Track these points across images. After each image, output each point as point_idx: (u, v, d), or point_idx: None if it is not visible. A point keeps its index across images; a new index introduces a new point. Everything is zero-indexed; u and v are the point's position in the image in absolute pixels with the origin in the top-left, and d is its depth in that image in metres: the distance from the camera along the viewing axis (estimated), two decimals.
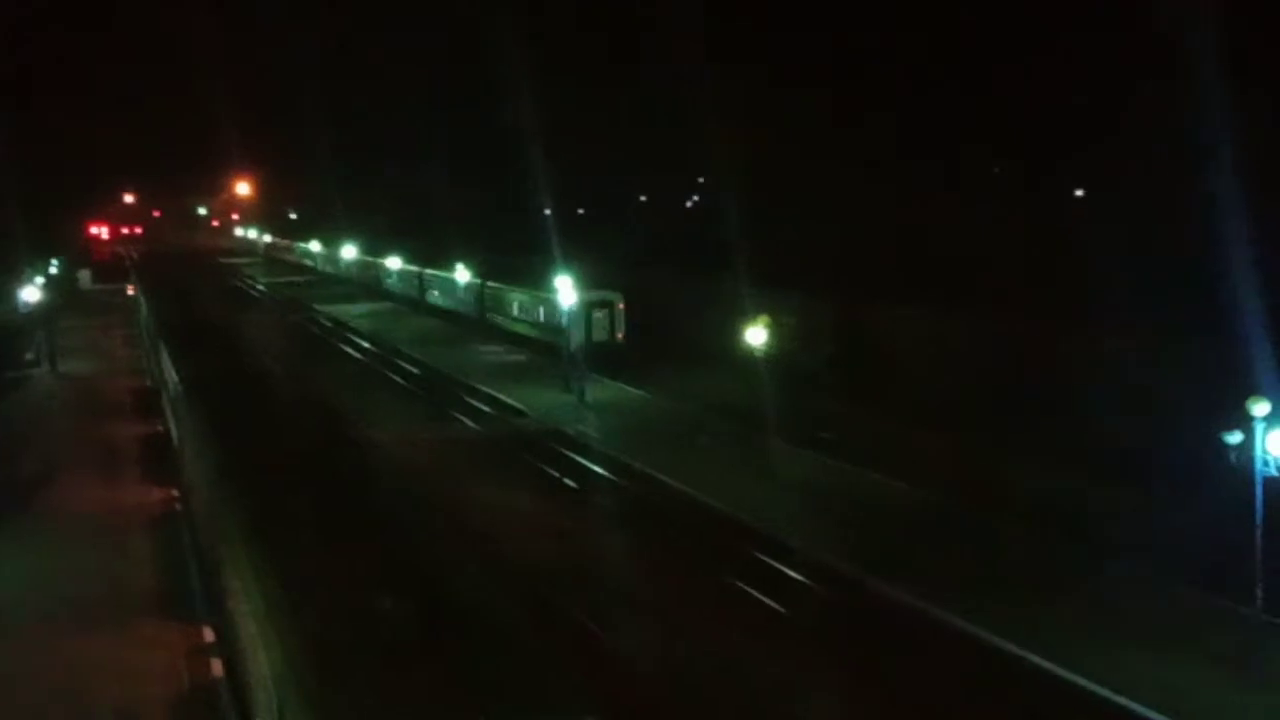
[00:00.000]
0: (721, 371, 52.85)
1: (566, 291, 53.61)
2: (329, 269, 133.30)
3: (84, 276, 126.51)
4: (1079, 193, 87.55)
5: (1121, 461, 35.31)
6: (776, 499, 35.19)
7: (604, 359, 56.85)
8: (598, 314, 59.60)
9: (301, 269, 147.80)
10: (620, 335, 60.89)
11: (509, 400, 52.52)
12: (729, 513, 34.29)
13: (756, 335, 39.46)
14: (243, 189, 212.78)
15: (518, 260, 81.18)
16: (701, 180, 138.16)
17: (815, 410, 47.22)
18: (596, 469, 40.63)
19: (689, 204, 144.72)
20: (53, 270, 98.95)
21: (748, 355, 40.37)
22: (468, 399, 54.42)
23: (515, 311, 71.84)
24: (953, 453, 40.32)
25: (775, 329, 40.82)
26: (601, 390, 52.98)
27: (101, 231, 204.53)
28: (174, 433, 42.08)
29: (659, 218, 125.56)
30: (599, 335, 59.54)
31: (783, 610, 27.74)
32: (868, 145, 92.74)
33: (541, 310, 65.93)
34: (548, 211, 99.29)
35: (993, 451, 39.54)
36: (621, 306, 61.66)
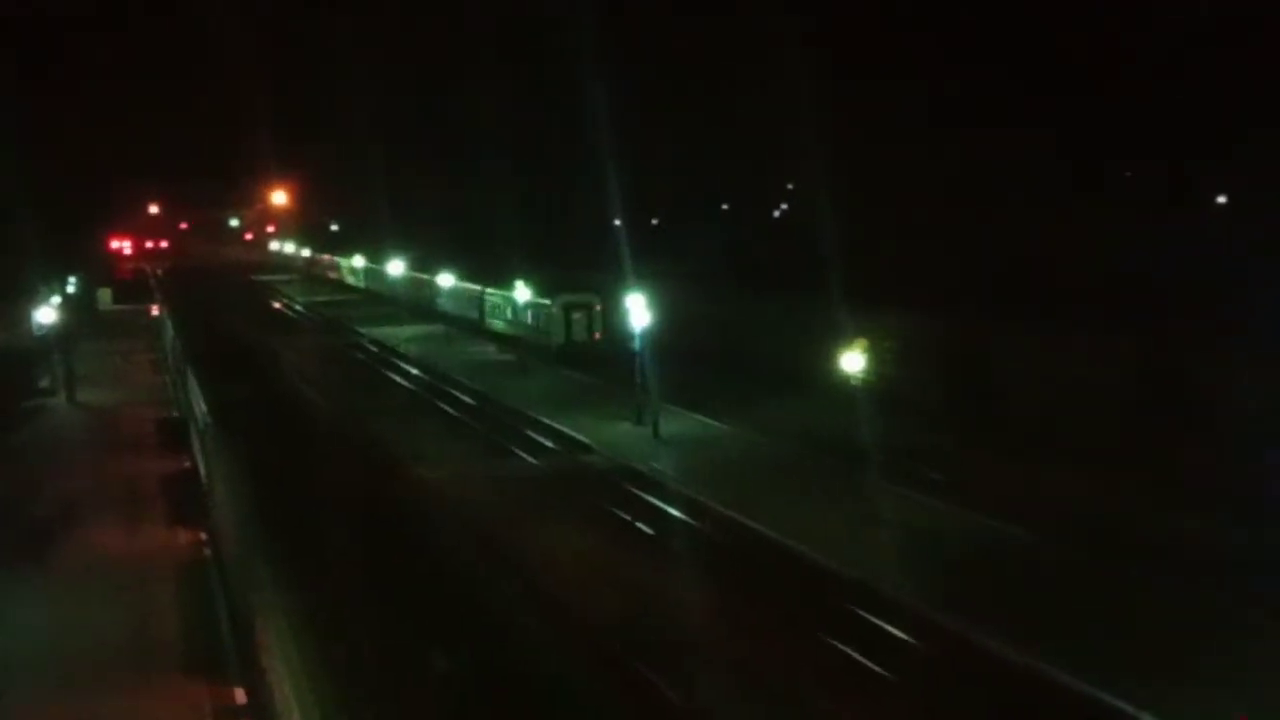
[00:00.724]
0: (812, 401, 52.65)
1: (638, 312, 53.75)
2: (374, 287, 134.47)
3: (104, 296, 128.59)
4: (1221, 199, 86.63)
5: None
6: (875, 545, 35.01)
7: (584, 359, 62.47)
8: (576, 315, 70.16)
9: (343, 287, 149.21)
10: (598, 335, 68.29)
11: (574, 433, 52.69)
12: (822, 561, 34.16)
13: (853, 360, 39.35)
14: (279, 199, 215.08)
15: (584, 277, 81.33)
16: (791, 187, 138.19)
17: (919, 444, 46.97)
18: (672, 511, 40.65)
19: (777, 213, 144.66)
20: (70, 289, 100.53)
21: (843, 382, 40.24)
22: (528, 432, 54.65)
23: (578, 334, 72.22)
24: (1079, 493, 39.93)
25: (874, 353, 40.72)
26: (677, 422, 53.02)
27: (124, 246, 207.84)
28: (202, 469, 42.60)
29: (743, 228, 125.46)
30: (578, 335, 69.29)
31: (884, 674, 27.59)
32: (981, 147, 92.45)
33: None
34: (618, 222, 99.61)
35: (1126, 491, 39.11)
36: (599, 307, 70.90)
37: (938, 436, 49.36)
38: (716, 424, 53.55)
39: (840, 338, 41.56)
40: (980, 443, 47.86)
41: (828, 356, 42.05)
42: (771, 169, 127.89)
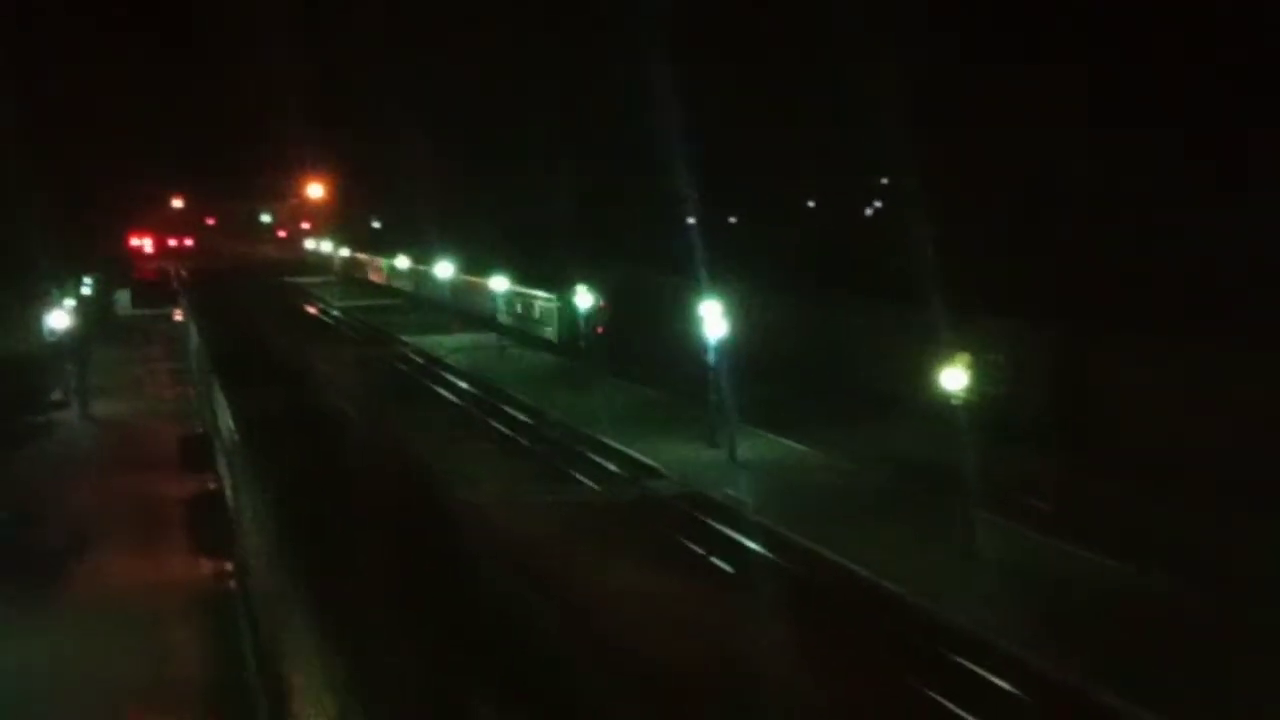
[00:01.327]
0: (907, 422, 52.14)
1: (713, 321, 53.45)
2: (420, 291, 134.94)
3: (122, 298, 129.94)
4: None
5: None
6: (976, 585, 34.59)
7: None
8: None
9: (385, 290, 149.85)
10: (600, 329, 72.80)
11: (641, 456, 52.47)
12: (917, 602, 33.75)
13: (954, 376, 38.86)
14: (315, 192, 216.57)
15: (654, 280, 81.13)
16: (885, 181, 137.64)
17: (1028, 472, 46.40)
18: (751, 545, 40.32)
19: (869, 211, 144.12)
20: (85, 291, 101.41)
21: (942, 401, 39.77)
22: (590, 453, 54.50)
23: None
24: (1209, 531, 39.22)
25: (978, 369, 40.20)
26: (757, 445, 52.71)
27: (144, 243, 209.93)
28: (228, 492, 42.65)
29: (831, 227, 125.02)
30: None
31: None
32: (1106, 134, 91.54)
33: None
34: (691, 221, 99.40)
35: (1268, 532, 38.34)
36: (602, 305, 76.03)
37: (1048, 463, 48.66)
38: (800, 447, 53.21)
39: (940, 351, 41.04)
40: (1098, 471, 47.14)
41: (925, 372, 41.55)
42: (866, 163, 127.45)
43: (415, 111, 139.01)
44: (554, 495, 48.24)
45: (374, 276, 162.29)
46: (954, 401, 39.00)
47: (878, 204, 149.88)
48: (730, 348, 54.83)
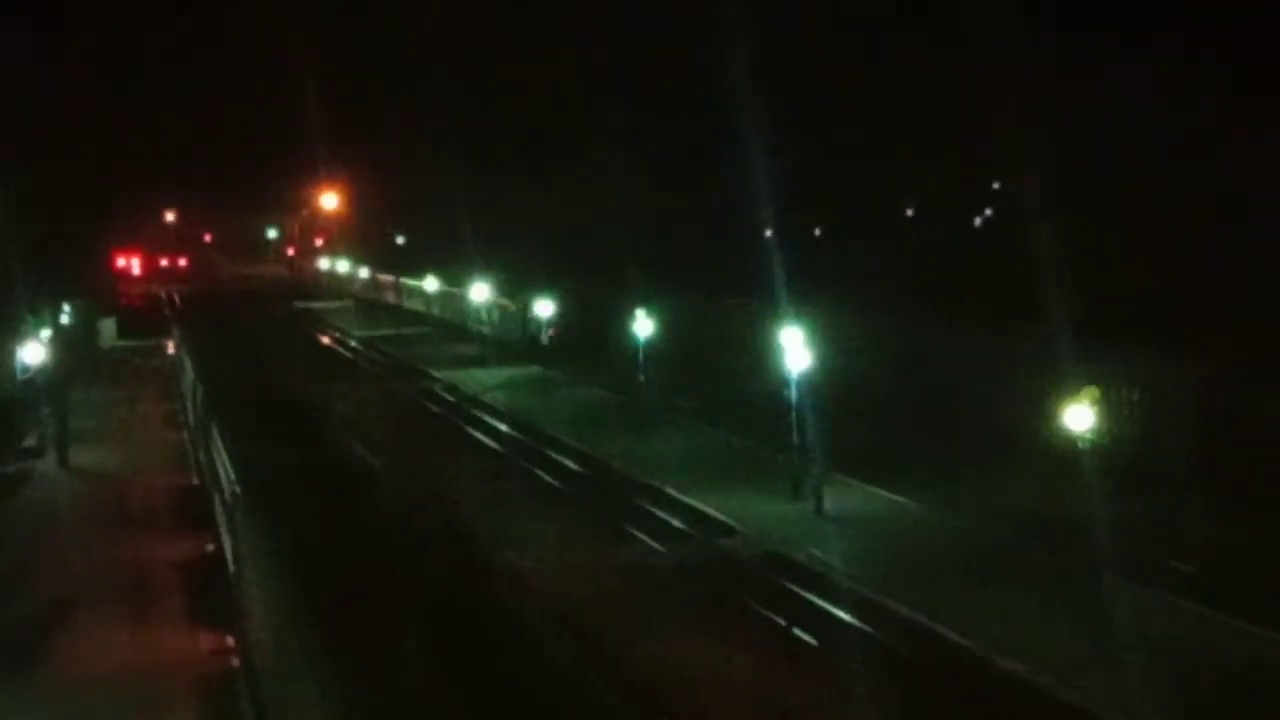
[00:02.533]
0: (1025, 467, 52.00)
1: (796, 352, 53.48)
2: (451, 317, 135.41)
3: (107, 328, 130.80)
4: None
5: None
6: (1109, 663, 34.45)
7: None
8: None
9: (412, 316, 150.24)
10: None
11: (711, 510, 52.49)
12: (1040, 683, 33.67)
13: (1080, 415, 38.83)
14: (329, 203, 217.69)
15: (725, 302, 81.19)
16: (997, 186, 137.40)
17: (1169, 527, 46.19)
18: (841, 614, 40.28)
19: (978, 220, 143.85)
20: (64, 319, 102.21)
21: (1066, 443, 39.71)
22: (652, 508, 54.53)
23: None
24: None
25: (1109, 406, 40.19)
26: (847, 496, 52.66)
27: (131, 264, 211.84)
28: (230, 555, 42.96)
29: (933, 240, 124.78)
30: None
31: None
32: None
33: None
34: (769, 233, 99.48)
35: None
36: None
37: (1193, 517, 48.45)
38: (897, 499, 53.08)
39: (1063, 385, 41.04)
40: (1252, 527, 46.86)
41: (1046, 409, 41.52)
42: (977, 166, 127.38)
43: (447, 109, 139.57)
44: (611, 557, 48.32)
45: (397, 301, 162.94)
46: (1080, 444, 38.99)
47: (988, 212, 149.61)
48: (815, 382, 54.81)
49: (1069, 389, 39.94)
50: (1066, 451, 40.02)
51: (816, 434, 54.36)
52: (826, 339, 58.20)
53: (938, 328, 74.41)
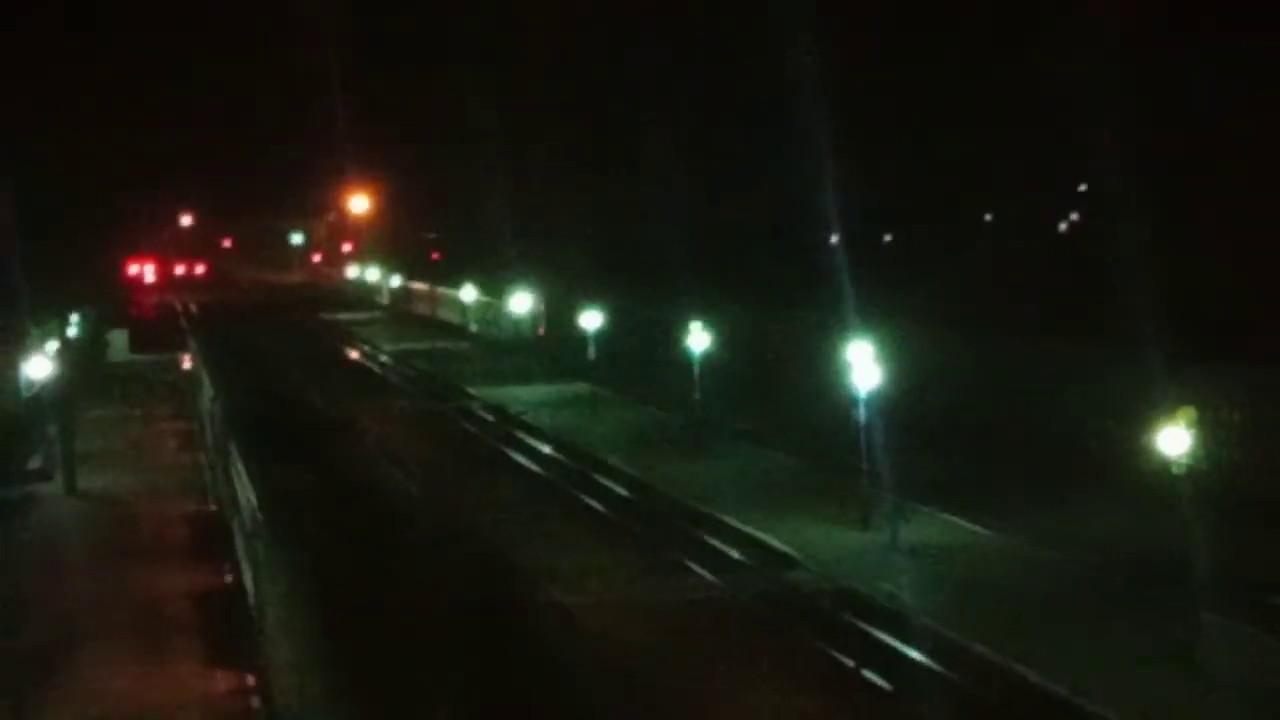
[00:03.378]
0: (1114, 495, 51.68)
1: (865, 369, 53.24)
2: (491, 329, 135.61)
3: (118, 340, 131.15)
4: None
5: None
6: (1208, 711, 34.11)
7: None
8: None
9: (447, 329, 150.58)
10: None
11: (772, 540, 52.21)
12: None
13: (1175, 437, 38.44)
14: (358, 206, 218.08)
15: (787, 314, 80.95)
16: (1084, 189, 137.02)
17: (1273, 560, 45.79)
18: (916, 656, 40.03)
19: (1064, 225, 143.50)
20: (71, 331, 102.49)
21: (1159, 469, 39.35)
22: (708, 537, 54.35)
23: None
24: None
25: (1207, 428, 39.82)
26: (921, 526, 52.26)
27: (145, 271, 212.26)
28: (250, 587, 42.88)
29: (1014, 246, 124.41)
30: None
31: None
32: None
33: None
34: (835, 239, 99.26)
35: None
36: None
37: None
38: (976, 528, 52.73)
39: (1157, 404, 40.65)
40: None
41: (1137, 431, 41.17)
42: (1062, 167, 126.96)
43: (487, 106, 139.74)
44: (664, 592, 48.12)
45: (432, 312, 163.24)
46: (1174, 469, 38.56)
47: (1074, 216, 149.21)
48: (886, 401, 54.59)
49: (1163, 408, 39.48)
50: (1160, 477, 39.58)
51: (887, 457, 54.13)
52: (897, 354, 57.92)
53: (1018, 342, 74.10)
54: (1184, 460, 38.47)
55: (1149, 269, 61.03)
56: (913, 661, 39.84)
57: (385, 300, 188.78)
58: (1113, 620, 41.61)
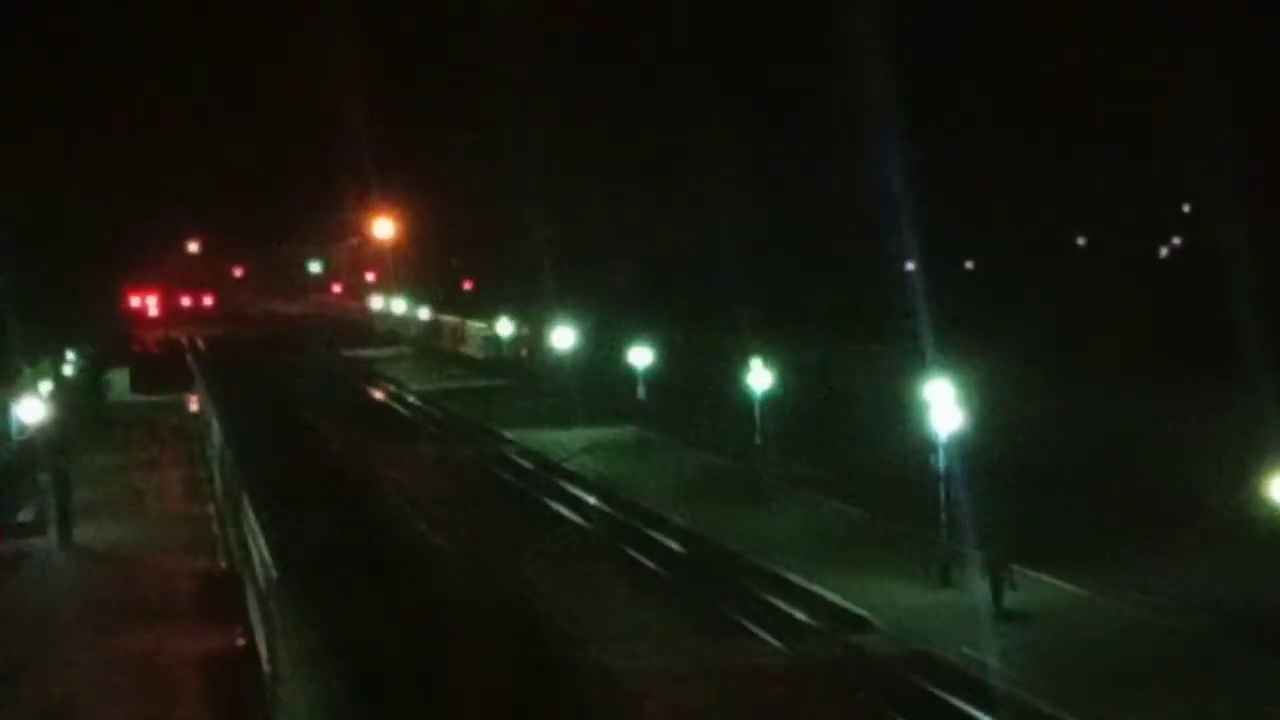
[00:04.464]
0: (1221, 548, 51.46)
1: (945, 411, 53.18)
2: (528, 365, 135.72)
3: (118, 380, 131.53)
4: None
5: None
6: None
7: None
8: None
9: (481, 366, 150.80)
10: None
11: (841, 599, 52.17)
12: None
13: None
14: (383, 231, 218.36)
15: (858, 349, 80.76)
16: (1187, 209, 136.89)
17: None
18: None
19: (1164, 250, 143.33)
20: (67, 370, 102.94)
21: (1273, 519, 39.25)
22: (770, 597, 54.28)
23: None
24: None
25: None
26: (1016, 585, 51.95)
27: (147, 303, 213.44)
28: (264, 653, 42.97)
29: (1110, 274, 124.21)
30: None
31: None
32: None
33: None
34: (910, 266, 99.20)
35: None
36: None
37: None
38: (1069, 587, 52.52)
39: (1270, 447, 40.56)
40: None
41: (1247, 478, 40.97)
42: (1164, 186, 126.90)
43: (525, 123, 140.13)
44: (720, 657, 48.07)
45: (463, 349, 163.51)
46: None
47: (1176, 241, 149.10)
48: (967, 445, 54.54)
49: (1276, 453, 39.42)
50: (1274, 527, 39.51)
51: (970, 508, 54.01)
52: (980, 394, 57.86)
53: (1114, 379, 74.02)
54: None
55: (1261, 300, 60.83)
56: None
57: (412, 334, 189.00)
58: (1228, 689, 41.38)
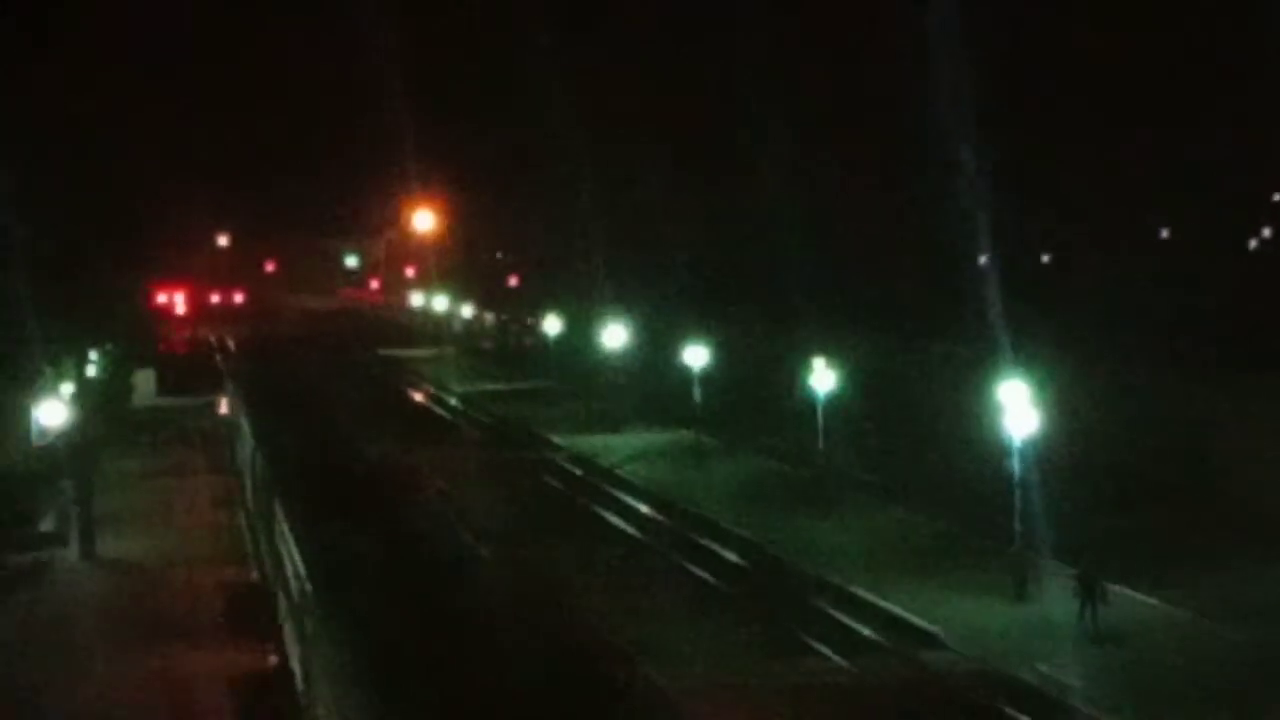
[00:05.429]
0: None
1: (1019, 413, 53.05)
2: (577, 366, 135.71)
3: (143, 381, 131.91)
4: None
5: None
6: None
7: None
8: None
9: (527, 366, 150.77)
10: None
11: (909, 614, 52.09)
12: None
13: None
14: (422, 223, 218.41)
15: (926, 348, 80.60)
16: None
17: None
18: None
19: (1254, 242, 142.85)
20: (90, 371, 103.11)
21: None
22: (833, 611, 54.23)
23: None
24: None
25: None
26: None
27: (174, 300, 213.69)
28: (299, 671, 43.00)
29: (1199, 267, 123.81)
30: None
31: None
32: None
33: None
34: (983, 260, 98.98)
35: None
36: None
37: None
38: (1153, 601, 52.36)
39: None
40: None
41: None
42: (1249, 173, 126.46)
43: (572, 108, 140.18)
44: (781, 676, 48.00)
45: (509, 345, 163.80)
46: None
47: (1266, 232, 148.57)
48: (1044, 450, 54.37)
49: None
50: None
51: (1046, 516, 53.83)
52: (1057, 395, 57.71)
53: (1204, 380, 73.78)
54: None
55: None
56: None
57: (454, 332, 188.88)
58: None
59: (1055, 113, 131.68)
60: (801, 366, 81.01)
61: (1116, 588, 53.46)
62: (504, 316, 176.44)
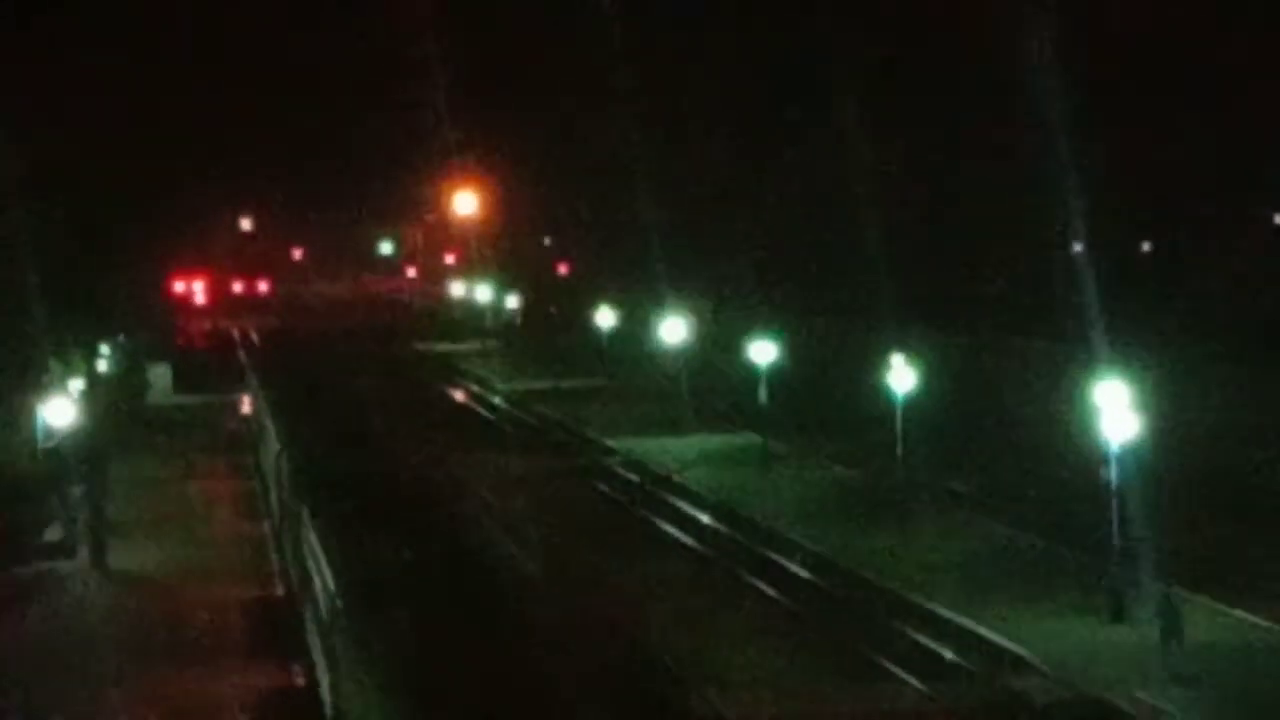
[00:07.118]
0: None
1: (1118, 417, 52.91)
2: (632, 364, 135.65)
3: (160, 378, 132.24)
4: None
5: None
6: None
7: None
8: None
9: (577, 362, 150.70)
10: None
11: (997, 636, 51.92)
12: None
13: None
14: (464, 206, 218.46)
15: (1015, 344, 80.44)
16: None
17: None
18: None
19: None
20: (102, 366, 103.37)
21: None
22: (912, 633, 54.10)
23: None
24: None
25: None
26: (1194, 619, 51.33)
27: (194, 289, 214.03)
28: (327, 694, 43.09)
29: None
30: None
31: None
32: None
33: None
34: (1078, 248, 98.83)
35: None
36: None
37: None
38: (1265, 623, 52.12)
39: None
40: None
41: None
42: None
43: (628, 83, 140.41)
44: (857, 704, 47.97)
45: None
46: None
47: None
48: (1144, 458, 54.26)
49: None
50: None
51: (1147, 529, 53.67)
52: (1160, 397, 57.58)
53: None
54: None
55: None
56: None
57: (500, 326, 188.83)
58: None
59: (1156, 93, 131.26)
60: (878, 364, 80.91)
61: (1222, 606, 53.42)
62: (552, 308, 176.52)
